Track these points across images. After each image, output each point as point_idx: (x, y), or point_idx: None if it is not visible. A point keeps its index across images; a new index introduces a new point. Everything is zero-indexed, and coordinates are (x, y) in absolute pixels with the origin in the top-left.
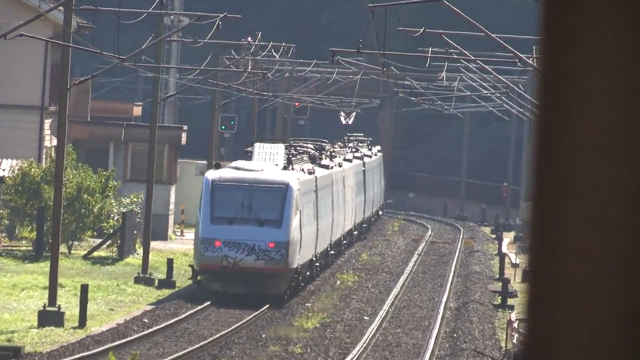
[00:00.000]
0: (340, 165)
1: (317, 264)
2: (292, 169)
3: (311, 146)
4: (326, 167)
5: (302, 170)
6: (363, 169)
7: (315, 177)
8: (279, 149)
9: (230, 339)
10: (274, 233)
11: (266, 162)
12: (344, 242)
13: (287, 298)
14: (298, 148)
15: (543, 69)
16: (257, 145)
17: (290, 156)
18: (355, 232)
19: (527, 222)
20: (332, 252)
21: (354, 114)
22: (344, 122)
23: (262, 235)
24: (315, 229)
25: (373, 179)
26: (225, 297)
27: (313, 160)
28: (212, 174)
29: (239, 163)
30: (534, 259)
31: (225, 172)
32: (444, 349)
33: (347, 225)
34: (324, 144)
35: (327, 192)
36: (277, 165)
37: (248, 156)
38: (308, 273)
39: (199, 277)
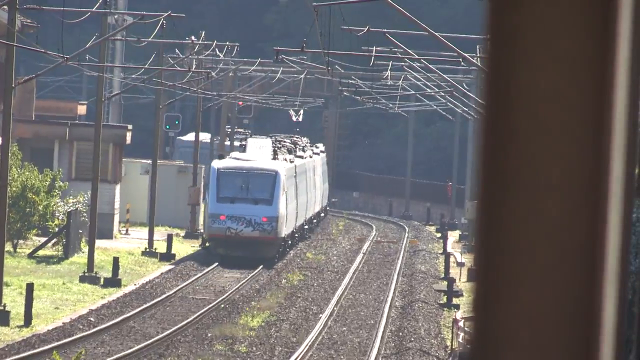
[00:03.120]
0: (311, 157)
1: (297, 235)
2: (277, 158)
3: (288, 141)
4: (301, 157)
5: (285, 159)
6: (326, 160)
7: (295, 165)
8: (267, 142)
9: (176, 337)
10: (266, 210)
11: (257, 153)
12: (314, 220)
13: (276, 261)
14: (280, 142)
15: (487, 68)
16: (249, 140)
17: (276, 148)
18: (322, 214)
19: (473, 221)
20: (306, 227)
21: (302, 111)
22: (294, 119)
23: (257, 211)
24: (295, 207)
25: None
26: (227, 261)
27: (290, 152)
28: (217, 163)
29: (237, 154)
30: (480, 258)
31: (228, 162)
32: (389, 348)
33: (316, 207)
34: (296, 138)
35: (303, 177)
36: (266, 156)
37: (242, 149)
38: (290, 242)
39: (207, 244)
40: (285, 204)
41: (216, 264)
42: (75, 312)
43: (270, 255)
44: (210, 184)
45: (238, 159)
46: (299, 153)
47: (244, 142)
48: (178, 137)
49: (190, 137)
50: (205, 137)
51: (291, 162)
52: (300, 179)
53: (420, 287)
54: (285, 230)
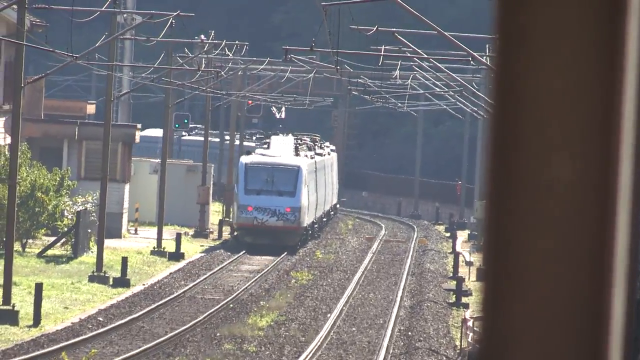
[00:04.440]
0: (329, 154)
1: (317, 225)
2: (299, 155)
3: (307, 139)
4: (320, 154)
5: (306, 156)
6: (336, 159)
7: (315, 161)
8: (289, 140)
9: (184, 337)
10: (289, 201)
11: (281, 150)
12: (332, 212)
13: (297, 248)
14: (301, 140)
15: (496, 68)
16: (273, 137)
17: (297, 145)
18: (338, 205)
19: (482, 220)
20: (324, 219)
21: (284, 108)
22: (277, 116)
23: (282, 203)
24: (315, 200)
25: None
26: (253, 249)
27: (309, 149)
28: (245, 159)
29: (262, 151)
30: (488, 257)
31: (255, 157)
32: (398, 348)
33: (333, 200)
34: (315, 136)
35: (322, 173)
36: (289, 152)
37: (265, 146)
38: (310, 231)
39: (236, 233)
40: (307, 196)
41: (224, 264)
42: (84, 312)
43: (293, 243)
44: (238, 177)
45: (264, 154)
46: (318, 151)
47: (267, 140)
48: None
49: (150, 132)
50: (159, 132)
51: (312, 158)
52: (319, 175)
53: (429, 286)
54: (307, 220)
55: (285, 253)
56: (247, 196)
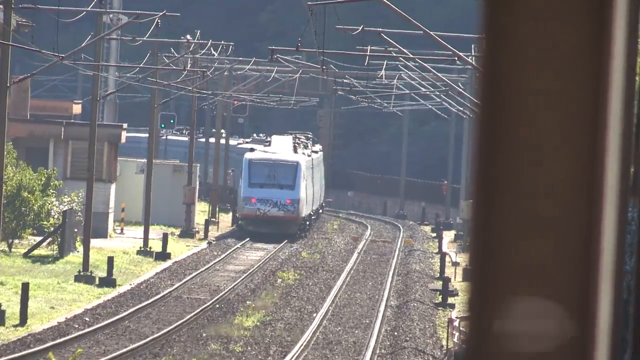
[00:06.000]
0: (321, 151)
1: (314, 217)
2: (297, 152)
3: (303, 138)
4: (316, 152)
5: (303, 153)
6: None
7: (312, 158)
8: (288, 139)
9: (171, 337)
10: (289, 193)
11: (281, 147)
12: (324, 205)
13: (295, 239)
14: (299, 138)
15: (482, 67)
16: (273, 137)
17: (295, 144)
18: (324, 205)
19: (468, 220)
20: (320, 211)
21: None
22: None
23: (282, 195)
24: (312, 193)
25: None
26: (257, 237)
27: (306, 147)
28: (249, 155)
29: (264, 148)
30: (474, 258)
31: (257, 154)
32: (385, 347)
33: (323, 195)
34: (308, 134)
35: (317, 169)
36: (288, 149)
37: (267, 144)
38: (308, 222)
39: (240, 222)
40: (305, 190)
41: (210, 264)
42: (70, 311)
43: (293, 231)
44: (243, 172)
45: (265, 151)
46: (314, 149)
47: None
48: None
49: None
50: None
51: (309, 155)
52: (315, 170)
53: (416, 286)
54: (305, 211)
55: (286, 241)
56: (250, 189)
